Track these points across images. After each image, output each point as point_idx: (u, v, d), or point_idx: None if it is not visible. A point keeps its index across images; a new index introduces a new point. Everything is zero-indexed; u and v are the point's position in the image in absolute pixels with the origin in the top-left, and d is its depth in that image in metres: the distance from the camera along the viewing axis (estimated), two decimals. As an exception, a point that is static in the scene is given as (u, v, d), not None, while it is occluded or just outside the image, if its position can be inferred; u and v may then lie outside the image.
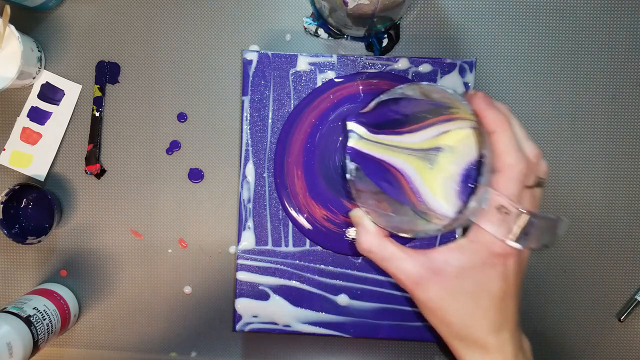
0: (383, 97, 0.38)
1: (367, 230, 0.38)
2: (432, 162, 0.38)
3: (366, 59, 0.50)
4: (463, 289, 0.35)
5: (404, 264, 0.36)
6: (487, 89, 0.52)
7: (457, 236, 0.49)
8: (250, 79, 0.51)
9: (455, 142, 0.38)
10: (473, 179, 0.36)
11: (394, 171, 0.39)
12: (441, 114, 0.38)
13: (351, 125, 0.40)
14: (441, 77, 0.50)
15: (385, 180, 0.39)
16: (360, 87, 0.50)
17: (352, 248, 0.50)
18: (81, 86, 0.53)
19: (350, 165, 0.39)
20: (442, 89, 0.35)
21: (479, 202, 0.33)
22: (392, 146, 0.39)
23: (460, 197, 0.37)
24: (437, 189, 0.38)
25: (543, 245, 0.34)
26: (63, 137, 0.53)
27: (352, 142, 0.40)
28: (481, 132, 0.34)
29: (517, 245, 0.34)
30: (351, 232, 0.50)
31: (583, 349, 0.53)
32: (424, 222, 0.38)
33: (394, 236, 0.38)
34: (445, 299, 0.35)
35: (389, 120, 0.39)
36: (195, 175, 0.53)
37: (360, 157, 0.40)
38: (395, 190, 0.39)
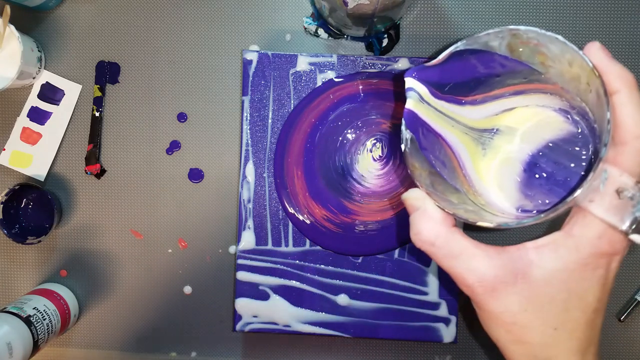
0: (460, 45, 0.30)
1: (430, 217, 0.30)
2: (485, 146, 0.32)
3: (366, 59, 0.50)
4: (552, 298, 0.28)
5: (477, 263, 0.29)
6: (487, 89, 0.52)
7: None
8: (250, 79, 0.51)
9: (517, 123, 0.32)
10: (540, 168, 0.30)
11: (447, 149, 0.32)
12: (517, 82, 0.31)
13: (411, 82, 0.31)
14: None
15: (440, 159, 0.32)
16: (360, 87, 0.50)
17: (359, 245, 0.50)
18: (81, 86, 0.53)
19: (406, 134, 0.31)
20: (550, 36, 0.28)
21: (597, 183, 0.26)
22: (449, 117, 0.32)
23: (521, 190, 0.31)
24: (490, 178, 0.32)
25: None
26: (63, 137, 0.53)
27: (410, 104, 0.31)
28: (604, 92, 0.27)
29: None
30: (360, 227, 0.49)
31: (583, 349, 0.53)
32: (490, 214, 0.31)
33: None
34: (527, 311, 0.28)
35: (456, 81, 0.32)
36: (195, 175, 0.53)
37: (416, 125, 0.31)
38: (450, 173, 0.32)
